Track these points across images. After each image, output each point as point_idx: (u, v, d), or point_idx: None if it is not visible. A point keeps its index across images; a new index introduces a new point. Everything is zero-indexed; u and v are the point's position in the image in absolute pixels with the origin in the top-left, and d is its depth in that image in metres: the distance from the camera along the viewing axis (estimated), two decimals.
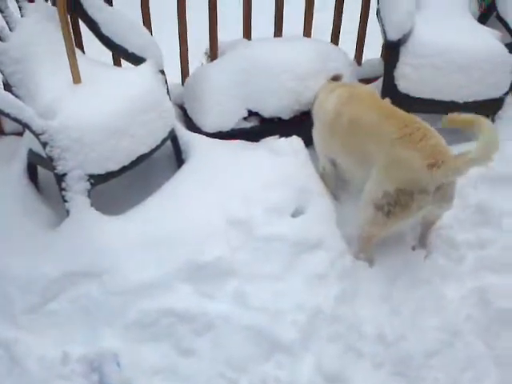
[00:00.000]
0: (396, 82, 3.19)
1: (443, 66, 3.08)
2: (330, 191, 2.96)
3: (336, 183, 3.02)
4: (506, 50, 3.18)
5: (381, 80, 3.48)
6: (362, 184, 2.59)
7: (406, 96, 3.15)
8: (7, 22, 2.76)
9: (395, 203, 2.39)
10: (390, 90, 3.15)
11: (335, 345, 2.34)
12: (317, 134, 2.98)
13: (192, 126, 3.26)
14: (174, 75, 3.42)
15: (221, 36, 3.52)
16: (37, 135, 2.50)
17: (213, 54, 3.52)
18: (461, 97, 3.15)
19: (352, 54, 3.78)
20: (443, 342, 2.34)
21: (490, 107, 3.27)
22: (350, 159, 2.73)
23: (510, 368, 2.30)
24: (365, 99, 2.75)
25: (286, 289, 2.47)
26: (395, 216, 2.42)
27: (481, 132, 2.26)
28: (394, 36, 3.10)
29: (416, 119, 2.51)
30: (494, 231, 2.75)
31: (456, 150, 2.48)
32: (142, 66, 2.90)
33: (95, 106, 2.62)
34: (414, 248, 2.70)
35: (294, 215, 2.75)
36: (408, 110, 2.64)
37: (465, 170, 2.33)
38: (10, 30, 2.76)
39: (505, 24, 3.40)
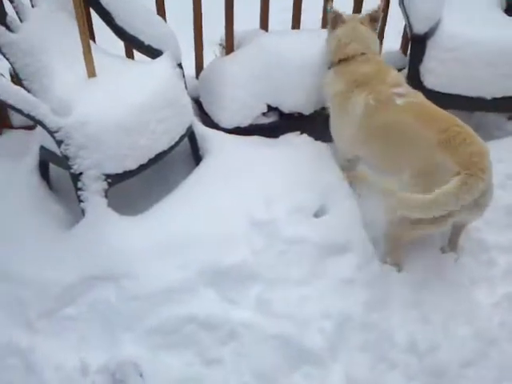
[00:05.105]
0: (422, 77, 3.08)
1: (471, 61, 2.97)
2: (351, 184, 2.84)
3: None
4: None
5: (402, 73, 3.36)
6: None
7: (432, 91, 3.03)
8: (17, 12, 2.65)
9: None
10: (415, 85, 3.02)
11: (366, 354, 2.26)
12: (339, 128, 2.79)
13: (209, 121, 3.15)
14: (186, 67, 3.29)
15: (236, 25, 3.38)
16: (51, 133, 2.39)
17: (228, 46, 3.39)
18: (489, 92, 3.04)
19: None
20: (478, 351, 2.26)
21: None
22: (379, 161, 2.61)
23: None
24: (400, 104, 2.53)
25: (312, 294, 2.39)
26: (423, 223, 2.32)
27: None
28: (420, 29, 2.98)
29: (457, 122, 2.37)
30: None
31: None
32: (159, 59, 2.79)
33: (112, 101, 2.52)
34: (443, 251, 2.61)
35: (316, 215, 2.67)
36: None
37: None
38: (21, 20, 2.64)
39: None
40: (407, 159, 2.39)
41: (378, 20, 2.85)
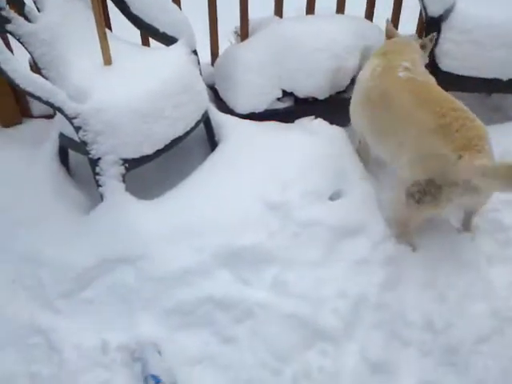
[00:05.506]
0: (437, 60, 3.06)
1: (486, 42, 2.94)
2: (365, 165, 2.86)
3: (370, 160, 2.92)
4: None
5: None
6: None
7: (448, 74, 3.02)
8: (35, 2, 2.69)
9: (425, 193, 2.30)
10: (431, 69, 3.02)
11: (380, 333, 2.26)
12: (351, 104, 2.82)
13: (224, 107, 3.17)
14: (202, 54, 3.31)
15: (250, 13, 3.39)
16: (70, 119, 2.44)
17: (243, 33, 3.41)
18: (505, 74, 3.01)
19: None
20: (493, 328, 2.25)
21: None
22: (377, 138, 2.63)
23: None
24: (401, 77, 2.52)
25: (327, 275, 2.40)
26: (425, 204, 2.33)
27: None
28: (435, 11, 2.97)
29: (455, 105, 2.32)
30: None
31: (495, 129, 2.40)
32: (175, 46, 2.82)
33: (128, 88, 2.55)
34: (458, 231, 2.60)
35: (332, 198, 2.68)
36: (449, 89, 2.51)
37: (492, 175, 2.08)
38: (38, 10, 2.69)
39: None
40: (405, 140, 2.39)
41: (426, 46, 2.83)
